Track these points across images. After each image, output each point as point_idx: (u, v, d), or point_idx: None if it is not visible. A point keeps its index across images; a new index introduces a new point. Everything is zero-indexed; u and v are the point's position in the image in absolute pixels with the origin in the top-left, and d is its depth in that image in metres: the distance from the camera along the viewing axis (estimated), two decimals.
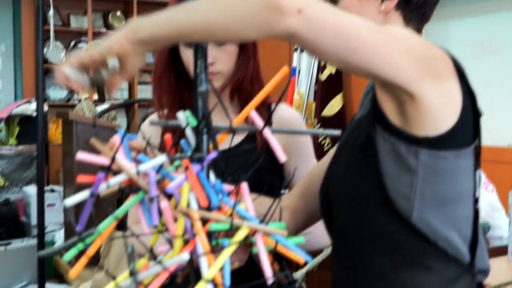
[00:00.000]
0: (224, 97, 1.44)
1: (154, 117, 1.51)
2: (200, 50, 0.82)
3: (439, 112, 0.93)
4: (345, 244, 1.07)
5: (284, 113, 1.45)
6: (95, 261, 1.32)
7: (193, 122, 0.78)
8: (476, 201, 1.02)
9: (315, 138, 3.33)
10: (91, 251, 0.74)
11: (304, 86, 3.45)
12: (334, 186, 1.08)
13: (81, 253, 0.76)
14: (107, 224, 0.76)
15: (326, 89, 3.31)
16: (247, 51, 1.43)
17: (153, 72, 1.48)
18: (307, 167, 1.39)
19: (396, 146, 0.95)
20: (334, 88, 3.31)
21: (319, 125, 3.38)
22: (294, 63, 3.52)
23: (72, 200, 0.74)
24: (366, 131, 1.00)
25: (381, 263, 1.00)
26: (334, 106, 3.34)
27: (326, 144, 3.33)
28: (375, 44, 0.87)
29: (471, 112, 0.97)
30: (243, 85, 1.42)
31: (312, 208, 1.23)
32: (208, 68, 1.38)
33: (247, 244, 0.77)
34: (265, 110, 1.42)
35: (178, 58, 1.43)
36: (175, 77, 1.45)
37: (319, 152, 3.33)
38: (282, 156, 0.76)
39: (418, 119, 0.92)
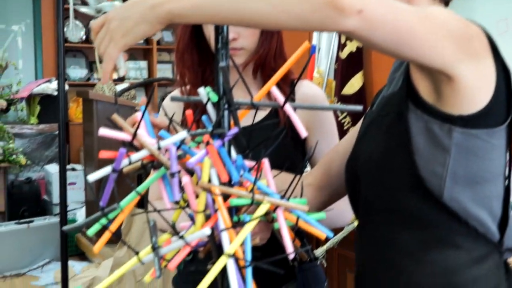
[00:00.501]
0: (246, 73, 1.43)
1: (176, 93, 1.51)
2: (221, 25, 0.81)
3: (475, 91, 0.92)
4: (372, 221, 1.06)
5: (307, 89, 1.44)
6: (116, 239, 1.33)
7: (214, 97, 0.77)
8: (507, 179, 1.01)
9: (335, 116, 3.31)
10: (114, 226, 0.75)
11: (324, 64, 3.43)
12: (362, 163, 1.07)
13: (103, 229, 0.77)
14: (129, 200, 0.76)
15: (346, 67, 3.28)
16: None
17: (175, 48, 1.47)
18: (329, 144, 1.38)
19: (429, 124, 0.94)
20: (354, 66, 3.28)
21: (339, 103, 3.36)
22: (314, 41, 3.49)
23: (95, 175, 0.74)
24: (397, 108, 0.99)
25: (410, 240, 0.99)
26: (354, 84, 3.31)
27: (346, 123, 3.31)
28: (423, 34, 0.87)
29: (504, 90, 0.96)
30: (266, 61, 1.41)
31: (336, 185, 1.22)
32: (231, 43, 1.37)
33: (268, 220, 0.77)
34: (288, 86, 1.42)
35: (200, 34, 1.42)
36: (197, 53, 1.44)
37: (340, 131, 3.30)
38: (303, 131, 0.75)
39: (454, 98, 0.92)
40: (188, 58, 1.44)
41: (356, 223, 2.40)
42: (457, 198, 0.95)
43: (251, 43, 1.39)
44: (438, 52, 0.88)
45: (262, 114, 1.39)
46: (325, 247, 2.37)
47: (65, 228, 1.27)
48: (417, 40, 0.87)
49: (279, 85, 1.42)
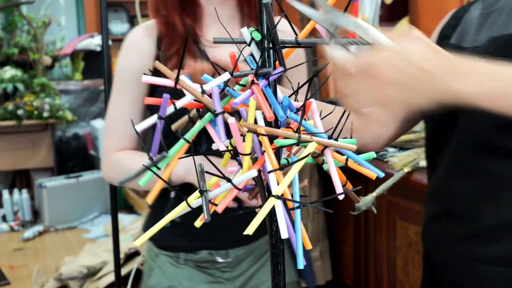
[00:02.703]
0: (230, 3, 1.38)
1: (150, 24, 1.40)
2: None
3: None
4: (471, 154, 1.03)
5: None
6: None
7: (258, 36, 0.75)
8: None
9: None
10: (165, 175, 0.74)
11: (368, 11, 3.35)
12: None
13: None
14: (179, 148, 0.75)
15: (391, 13, 3.20)
16: None
17: None
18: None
19: None
20: (400, 11, 3.19)
21: None
22: None
23: (142, 125, 0.74)
24: None
25: None
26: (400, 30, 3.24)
27: None
28: None
29: None
30: None
31: (404, 119, 1.19)
32: None
33: (318, 162, 0.75)
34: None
35: None
36: None
37: None
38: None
39: None
40: None
41: (406, 170, 2.36)
42: None
43: None
44: None
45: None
46: (374, 193, 2.34)
47: (118, 181, 1.28)
48: None
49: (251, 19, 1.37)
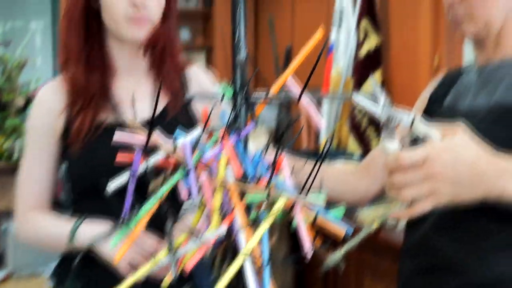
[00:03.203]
0: (136, 49, 1.34)
1: (57, 82, 1.37)
2: (239, 12, 0.77)
3: None
4: (459, 211, 1.04)
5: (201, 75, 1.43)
6: None
7: (229, 92, 0.75)
8: None
9: (352, 117, 3.28)
10: (135, 234, 0.73)
11: (342, 62, 3.40)
12: None
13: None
14: (150, 206, 0.74)
15: (364, 65, 3.25)
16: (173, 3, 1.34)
17: (64, 14, 1.32)
18: None
19: None
20: (373, 64, 3.25)
21: None
22: (333, 39, 3.47)
23: (115, 183, 0.74)
24: None
25: (505, 231, 0.97)
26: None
27: (363, 124, 3.27)
28: None
29: None
30: (161, 40, 1.31)
31: (380, 177, 1.20)
32: (140, 10, 1.24)
33: (289, 219, 0.75)
34: (179, 75, 1.38)
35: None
36: (85, 28, 1.31)
37: (357, 132, 3.28)
38: (321, 123, 0.72)
39: None
40: (76, 30, 1.30)
41: (375, 226, 2.37)
42: None
43: (156, 15, 1.29)
44: None
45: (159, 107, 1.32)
46: (342, 250, 2.33)
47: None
48: None
49: (169, 73, 1.35)
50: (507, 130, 0.98)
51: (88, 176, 1.30)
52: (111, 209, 0.97)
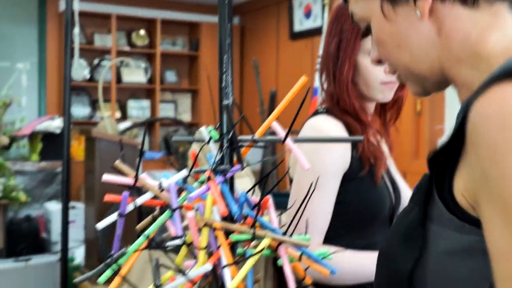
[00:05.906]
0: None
1: None
2: (226, 61, 0.81)
3: None
4: None
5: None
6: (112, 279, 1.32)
7: (215, 135, 0.79)
8: None
9: None
10: (124, 271, 0.75)
11: None
12: None
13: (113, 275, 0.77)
14: (139, 244, 0.76)
15: None
16: None
17: (341, 80, 1.47)
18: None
19: None
20: None
21: None
22: (316, 84, 3.53)
23: (103, 223, 0.75)
24: None
25: None
26: None
27: None
28: None
29: None
30: None
31: None
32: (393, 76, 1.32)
33: (276, 258, 0.77)
34: None
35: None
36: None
37: None
38: (306, 164, 0.75)
39: None
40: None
41: None
42: None
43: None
44: None
45: None
46: None
47: (76, 280, 1.26)
48: None
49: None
50: None
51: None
52: None
